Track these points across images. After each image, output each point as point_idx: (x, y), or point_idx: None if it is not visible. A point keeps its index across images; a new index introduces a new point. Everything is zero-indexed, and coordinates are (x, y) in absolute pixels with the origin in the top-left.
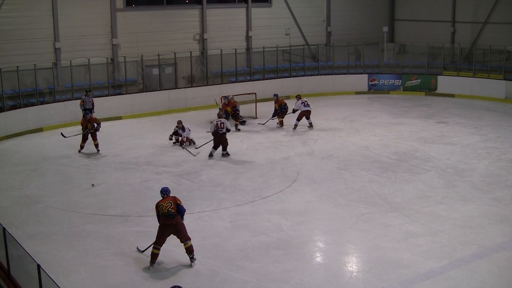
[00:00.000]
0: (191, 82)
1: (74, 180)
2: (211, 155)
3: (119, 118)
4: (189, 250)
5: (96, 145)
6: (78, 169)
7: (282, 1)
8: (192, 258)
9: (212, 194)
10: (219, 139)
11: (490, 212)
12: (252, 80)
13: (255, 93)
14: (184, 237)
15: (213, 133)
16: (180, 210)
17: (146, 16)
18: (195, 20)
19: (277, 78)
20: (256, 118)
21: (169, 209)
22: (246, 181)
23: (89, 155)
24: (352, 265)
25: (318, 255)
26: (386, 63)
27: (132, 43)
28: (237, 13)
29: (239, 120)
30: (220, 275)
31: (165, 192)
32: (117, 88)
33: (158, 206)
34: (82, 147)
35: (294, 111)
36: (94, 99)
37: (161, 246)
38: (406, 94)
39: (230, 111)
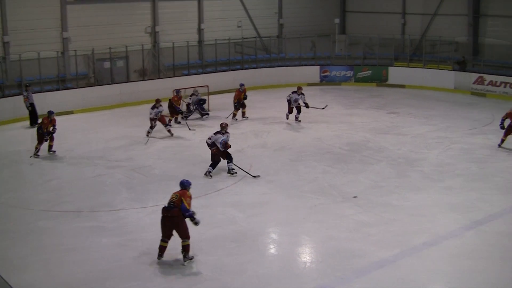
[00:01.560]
0: (143, 75)
1: (26, 176)
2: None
3: (71, 112)
4: (184, 249)
5: (51, 146)
6: (30, 164)
7: None
8: (185, 257)
9: (165, 187)
10: (213, 156)
11: (441, 201)
12: (205, 73)
13: (208, 86)
14: (182, 234)
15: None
16: (181, 208)
17: (97, 9)
18: (146, 13)
19: (229, 71)
20: (209, 110)
21: (171, 201)
22: (199, 174)
23: (41, 150)
24: (306, 255)
25: (272, 246)
26: (337, 55)
27: (83, 37)
28: (189, 5)
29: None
30: (175, 268)
31: (181, 185)
32: (68, 82)
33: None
34: (38, 149)
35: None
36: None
37: (168, 238)
38: (357, 85)
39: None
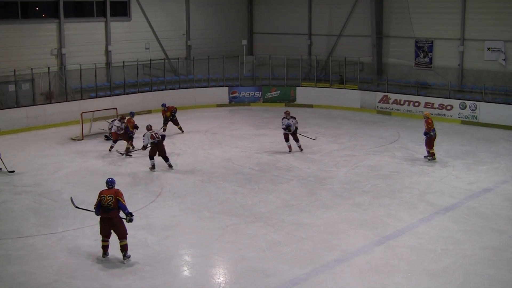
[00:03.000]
0: (50, 98)
1: None
2: (153, 167)
3: None
4: (123, 249)
5: None
6: None
7: (142, 15)
8: (124, 256)
9: (75, 212)
10: (156, 149)
11: (350, 218)
12: (113, 95)
13: (116, 108)
14: (120, 235)
15: (146, 147)
16: (119, 206)
17: (0, 30)
18: (52, 34)
19: (138, 93)
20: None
21: (109, 203)
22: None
23: None
24: (220, 277)
25: (185, 269)
26: (246, 76)
27: None
28: (96, 27)
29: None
30: None
31: (109, 183)
32: None
33: (100, 195)
34: None
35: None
36: None
37: (108, 237)
38: (266, 105)
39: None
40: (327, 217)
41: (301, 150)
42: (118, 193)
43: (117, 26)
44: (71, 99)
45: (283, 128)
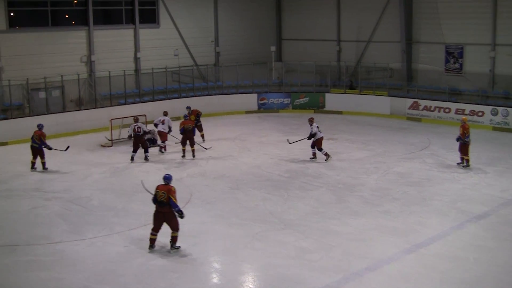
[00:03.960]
0: (79, 105)
1: None
2: (132, 159)
3: (5, 143)
4: (173, 240)
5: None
6: None
7: (170, 21)
8: (172, 246)
9: (104, 219)
10: (137, 141)
11: (380, 225)
12: (142, 102)
13: (145, 115)
14: (172, 227)
15: (131, 137)
16: (170, 204)
17: (30, 37)
18: (82, 41)
19: (166, 99)
20: None
21: (162, 199)
22: (138, 205)
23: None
24: (249, 284)
25: (214, 276)
26: (274, 82)
27: (16, 66)
28: (125, 34)
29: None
30: None
31: (165, 179)
32: (2, 112)
33: (156, 189)
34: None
35: (311, 136)
36: None
37: (157, 232)
38: (295, 112)
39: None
40: (356, 224)
41: (326, 159)
42: (170, 191)
43: (146, 33)
44: (100, 106)
45: None
